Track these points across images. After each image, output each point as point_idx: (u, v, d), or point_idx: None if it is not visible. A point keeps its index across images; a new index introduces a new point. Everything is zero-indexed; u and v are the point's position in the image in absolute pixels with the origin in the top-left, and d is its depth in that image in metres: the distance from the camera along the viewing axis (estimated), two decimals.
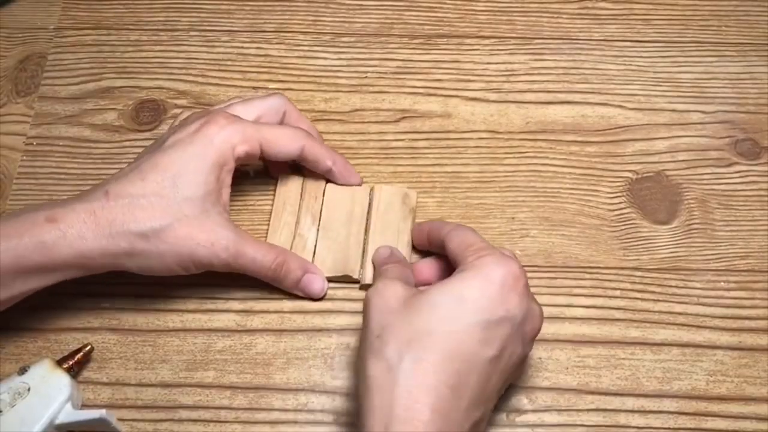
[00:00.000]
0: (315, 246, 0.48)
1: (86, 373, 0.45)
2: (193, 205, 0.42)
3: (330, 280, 0.47)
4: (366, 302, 0.40)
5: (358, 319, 0.46)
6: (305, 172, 0.50)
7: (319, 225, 0.48)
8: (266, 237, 0.48)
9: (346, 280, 0.47)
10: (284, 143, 0.46)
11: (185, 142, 0.43)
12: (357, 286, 0.47)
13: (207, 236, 0.42)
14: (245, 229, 0.49)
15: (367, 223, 0.48)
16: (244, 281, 0.47)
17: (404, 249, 0.47)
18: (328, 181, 0.50)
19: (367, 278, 0.47)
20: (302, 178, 0.50)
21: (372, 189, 0.50)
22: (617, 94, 0.55)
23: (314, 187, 0.49)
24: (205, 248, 0.42)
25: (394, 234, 0.48)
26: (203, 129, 0.44)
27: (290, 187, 0.49)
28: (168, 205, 0.42)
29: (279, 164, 0.50)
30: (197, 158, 0.43)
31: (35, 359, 0.43)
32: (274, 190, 0.50)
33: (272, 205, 0.49)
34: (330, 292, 0.47)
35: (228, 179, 0.45)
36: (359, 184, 0.50)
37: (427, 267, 0.46)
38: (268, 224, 0.49)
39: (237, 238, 0.43)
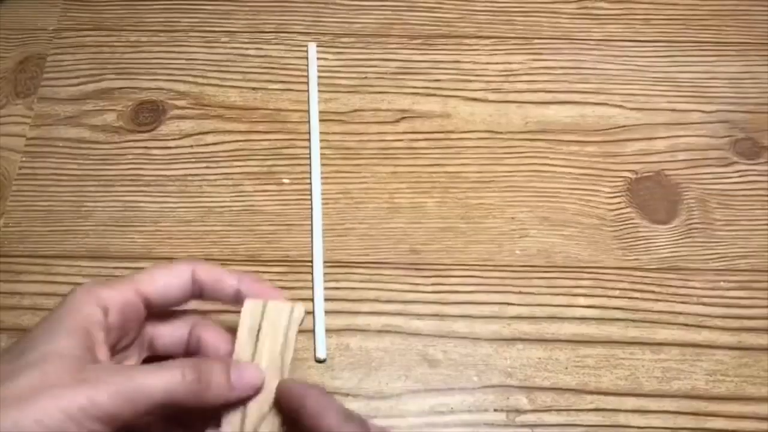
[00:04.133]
0: None
1: None
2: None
3: None
4: None
5: (357, 320, 0.46)
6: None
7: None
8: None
9: None
10: (164, 273, 0.38)
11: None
12: (357, 279, 0.47)
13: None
14: (245, 231, 0.49)
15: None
16: None
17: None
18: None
19: None
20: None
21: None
22: (617, 94, 0.55)
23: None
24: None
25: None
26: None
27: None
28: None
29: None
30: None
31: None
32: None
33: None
34: (330, 292, 0.47)
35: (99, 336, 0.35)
36: (280, 297, 0.39)
37: None
38: (272, 226, 0.49)
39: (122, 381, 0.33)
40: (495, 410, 0.44)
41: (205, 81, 0.55)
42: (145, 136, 0.53)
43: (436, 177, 0.52)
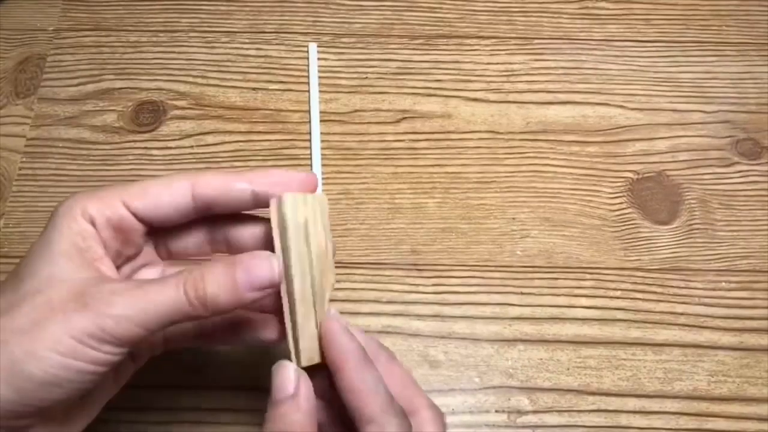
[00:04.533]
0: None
1: None
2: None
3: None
4: None
5: (358, 321, 0.46)
6: None
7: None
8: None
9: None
10: (157, 189, 0.34)
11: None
12: (358, 280, 0.47)
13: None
14: None
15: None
16: None
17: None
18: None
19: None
20: None
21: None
22: (618, 94, 0.55)
23: None
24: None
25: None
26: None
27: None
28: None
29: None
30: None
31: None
32: None
33: None
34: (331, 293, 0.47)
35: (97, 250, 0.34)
36: (314, 185, 0.35)
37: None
38: None
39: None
40: (496, 411, 0.44)
41: (205, 81, 0.55)
42: (146, 136, 0.53)
43: (437, 177, 0.51)
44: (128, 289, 0.31)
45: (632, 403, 0.45)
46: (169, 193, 0.34)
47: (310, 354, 0.34)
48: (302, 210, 0.34)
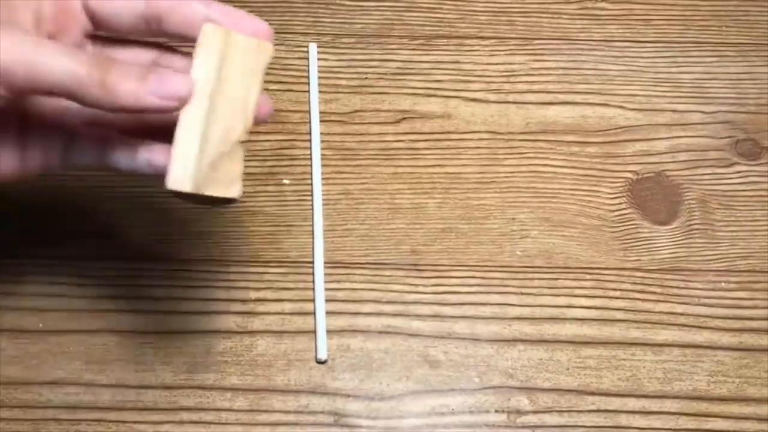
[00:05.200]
0: None
1: (87, 375, 0.45)
2: None
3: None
4: None
5: (358, 321, 0.46)
6: None
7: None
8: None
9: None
10: None
11: None
12: (358, 280, 0.48)
13: None
14: (245, 232, 0.49)
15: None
16: (245, 282, 0.47)
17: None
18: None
19: None
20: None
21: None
22: (617, 95, 0.55)
23: None
24: None
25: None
26: None
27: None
28: None
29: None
30: None
31: None
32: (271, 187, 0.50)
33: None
34: (331, 293, 0.47)
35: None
36: (266, 33, 0.35)
37: None
38: (273, 226, 0.49)
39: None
40: (496, 411, 0.44)
41: None
42: None
43: (437, 178, 0.52)
44: (36, 41, 0.30)
45: (632, 403, 0.45)
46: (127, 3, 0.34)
47: (182, 178, 0.33)
48: (222, 46, 0.33)
